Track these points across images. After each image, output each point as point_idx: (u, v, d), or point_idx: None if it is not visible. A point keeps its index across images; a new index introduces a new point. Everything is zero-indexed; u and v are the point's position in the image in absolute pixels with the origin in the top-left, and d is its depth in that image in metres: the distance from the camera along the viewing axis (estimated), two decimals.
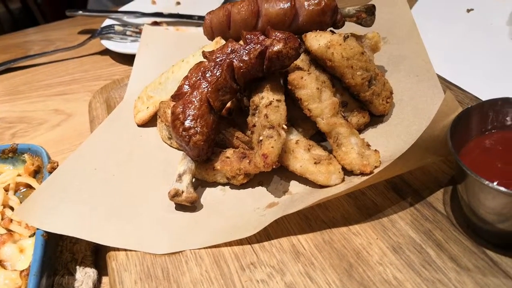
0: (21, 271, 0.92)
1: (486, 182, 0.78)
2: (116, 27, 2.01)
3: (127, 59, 1.90)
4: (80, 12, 2.29)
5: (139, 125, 1.37)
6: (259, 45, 1.06)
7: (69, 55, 2.10)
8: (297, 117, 1.17)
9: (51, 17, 3.49)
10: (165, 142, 1.30)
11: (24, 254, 1.00)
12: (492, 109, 0.91)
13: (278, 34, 1.07)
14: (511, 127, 0.92)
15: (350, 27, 1.32)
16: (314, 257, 0.92)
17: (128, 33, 1.99)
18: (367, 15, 1.26)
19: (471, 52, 1.48)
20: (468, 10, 1.70)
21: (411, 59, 1.32)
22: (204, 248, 0.97)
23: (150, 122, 1.37)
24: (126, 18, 2.15)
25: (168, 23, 2.08)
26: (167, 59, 1.47)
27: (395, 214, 0.97)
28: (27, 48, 2.33)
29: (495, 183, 0.82)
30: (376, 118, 1.22)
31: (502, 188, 0.77)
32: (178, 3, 2.29)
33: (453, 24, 1.63)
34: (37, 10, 5.94)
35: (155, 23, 2.08)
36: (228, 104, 1.25)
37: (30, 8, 6.13)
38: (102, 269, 1.07)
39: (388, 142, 1.14)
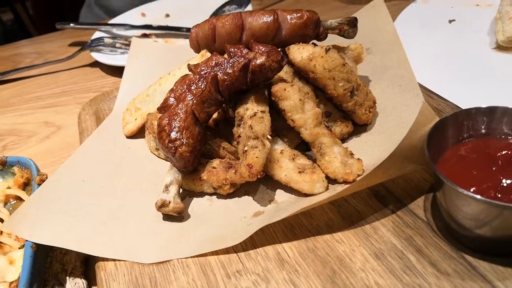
0: (11, 283, 0.94)
1: (461, 190, 0.81)
2: (106, 40, 2.04)
3: (117, 71, 1.92)
4: (71, 24, 2.31)
5: (127, 137, 1.39)
6: (242, 59, 1.09)
7: (60, 67, 2.13)
8: (283, 127, 1.19)
9: (43, 28, 3.51)
10: (153, 153, 1.32)
11: (14, 266, 1.02)
12: (466, 118, 0.95)
13: (261, 47, 1.10)
14: (485, 135, 0.95)
15: (334, 38, 1.35)
16: (298, 264, 0.94)
17: (117, 45, 2.01)
18: (349, 27, 1.30)
19: (452, 61, 1.52)
20: (450, 21, 1.74)
21: (394, 69, 1.35)
22: (191, 257, 0.99)
23: (139, 133, 1.39)
24: (115, 31, 2.18)
25: (157, 35, 2.11)
26: (156, 71, 1.49)
27: (377, 221, 1.00)
28: (17, 61, 2.35)
29: (471, 190, 0.85)
30: (360, 128, 1.25)
31: (476, 196, 0.80)
32: (167, 15, 2.33)
33: (435, 35, 1.68)
34: (29, 22, 5.96)
35: (145, 35, 2.11)
36: (215, 115, 1.27)
37: (22, 19, 6.15)
38: (91, 280, 1.08)
39: (372, 151, 1.17)
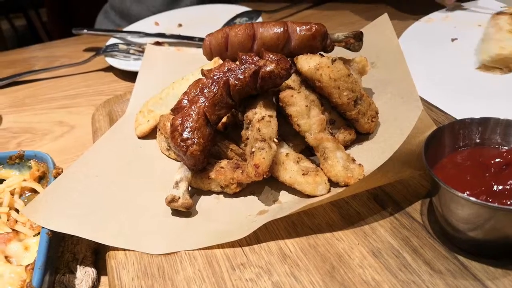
0: (27, 266, 0.99)
1: (456, 192, 0.87)
2: (120, 46, 2.11)
3: (130, 76, 1.99)
4: (86, 30, 2.40)
5: (139, 137, 1.45)
6: (253, 65, 1.16)
7: (74, 70, 2.20)
8: (289, 133, 1.25)
9: (55, 35, 3.60)
10: (164, 153, 1.38)
11: (29, 252, 1.07)
12: (462, 128, 1.01)
13: (271, 55, 1.16)
14: (479, 144, 1.01)
15: (341, 51, 1.42)
16: (300, 259, 0.99)
17: (131, 51, 2.09)
18: (355, 41, 1.37)
19: (452, 77, 1.59)
20: (453, 40, 1.81)
21: (397, 83, 1.41)
22: (197, 249, 1.05)
23: (150, 134, 1.45)
24: (130, 38, 2.26)
25: (170, 44, 2.18)
26: (167, 77, 1.56)
27: (376, 222, 1.05)
28: (32, 63, 2.43)
29: (464, 194, 0.91)
30: (362, 136, 1.31)
31: (470, 197, 0.86)
32: (180, 25, 2.41)
33: (437, 52, 1.74)
34: (41, 28, 6.08)
35: (158, 43, 2.19)
36: (224, 119, 1.33)
37: (35, 26, 6.27)
38: (101, 270, 1.13)
39: (373, 158, 1.22)
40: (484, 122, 1.00)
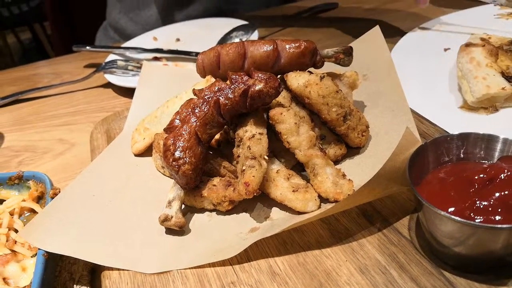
0: (23, 287, 1.02)
1: (437, 210, 0.88)
2: (119, 62, 2.15)
3: (128, 92, 2.03)
4: (87, 47, 2.44)
5: (135, 155, 1.48)
6: (242, 85, 1.18)
7: (75, 87, 2.24)
8: (280, 148, 1.27)
9: (60, 48, 3.66)
10: (159, 171, 1.40)
11: (26, 273, 1.10)
12: (445, 143, 1.02)
13: (260, 75, 1.19)
14: (462, 159, 1.03)
15: (332, 66, 1.44)
16: (289, 277, 1.01)
17: (130, 67, 2.12)
18: (345, 56, 1.38)
19: (443, 88, 1.60)
20: (445, 49, 1.83)
21: (388, 95, 1.43)
22: (189, 268, 1.07)
23: (146, 152, 1.48)
24: (128, 54, 2.30)
25: (168, 59, 2.22)
26: (164, 94, 1.58)
27: (364, 238, 1.07)
28: (35, 81, 2.48)
29: (448, 210, 0.92)
30: (354, 150, 1.32)
31: (451, 216, 0.87)
32: (178, 39, 2.45)
33: (429, 62, 1.76)
34: (47, 41, 6.17)
35: (156, 59, 2.22)
36: (217, 136, 1.36)
37: (40, 39, 6.36)
38: None
39: (363, 172, 1.24)
40: (466, 137, 1.02)
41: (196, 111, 1.22)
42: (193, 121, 1.21)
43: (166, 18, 2.81)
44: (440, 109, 1.47)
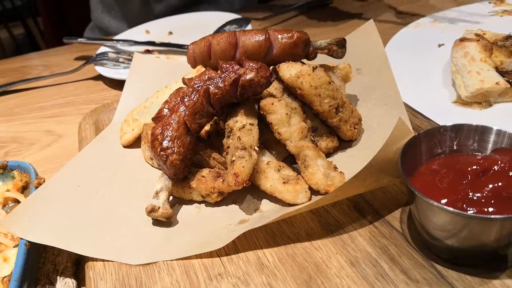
0: (4, 277, 0.99)
1: (430, 201, 0.86)
2: (110, 54, 2.12)
3: (119, 85, 1.99)
4: (78, 39, 2.41)
5: (124, 146, 1.45)
6: (233, 73, 1.16)
7: (64, 79, 2.21)
8: (271, 140, 1.25)
9: (52, 43, 3.63)
10: (147, 162, 1.38)
11: (8, 263, 1.07)
12: (438, 135, 1.00)
13: (251, 64, 1.16)
14: (456, 150, 1.01)
15: (326, 58, 1.42)
16: (277, 269, 0.99)
17: (121, 60, 2.09)
18: (338, 48, 1.36)
19: (437, 82, 1.58)
20: (439, 45, 1.81)
21: (382, 89, 1.41)
22: (176, 259, 1.04)
23: (135, 143, 1.45)
24: (120, 46, 2.26)
25: (160, 52, 2.19)
26: (154, 85, 1.56)
27: (355, 231, 1.05)
28: (25, 72, 2.44)
29: (442, 202, 0.90)
30: (345, 143, 1.31)
31: (444, 206, 0.85)
32: (171, 33, 2.42)
33: (424, 57, 1.74)
34: (40, 37, 6.11)
35: (148, 51, 2.19)
36: (207, 127, 1.33)
37: (33, 34, 6.30)
38: (82, 280, 1.12)
39: (355, 165, 1.21)
40: (460, 128, 1.00)
41: (185, 100, 1.19)
42: (182, 110, 1.18)
43: (146, 10, 2.78)
44: (434, 103, 1.46)
